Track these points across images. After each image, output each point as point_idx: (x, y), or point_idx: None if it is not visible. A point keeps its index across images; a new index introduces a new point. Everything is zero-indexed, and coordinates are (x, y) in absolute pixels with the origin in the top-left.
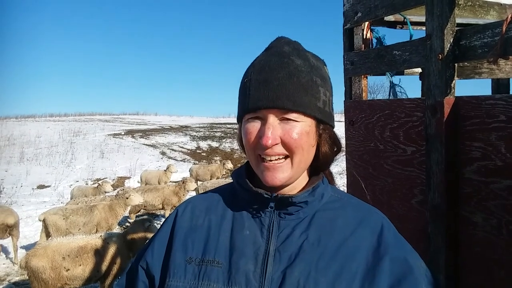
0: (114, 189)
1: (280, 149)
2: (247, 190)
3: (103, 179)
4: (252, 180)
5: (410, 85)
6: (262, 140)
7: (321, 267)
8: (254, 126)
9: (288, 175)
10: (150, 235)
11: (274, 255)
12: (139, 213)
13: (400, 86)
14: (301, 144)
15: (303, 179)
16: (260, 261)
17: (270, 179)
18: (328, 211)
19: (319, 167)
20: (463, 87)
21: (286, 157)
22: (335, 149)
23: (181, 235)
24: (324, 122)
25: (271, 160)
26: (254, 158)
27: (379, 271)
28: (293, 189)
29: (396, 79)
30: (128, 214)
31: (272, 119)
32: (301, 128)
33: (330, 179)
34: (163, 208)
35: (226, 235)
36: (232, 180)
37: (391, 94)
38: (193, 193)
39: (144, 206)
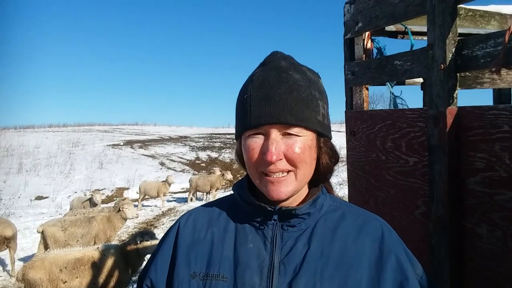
0: (111, 201)
1: (283, 165)
2: (249, 203)
3: (102, 190)
4: (253, 192)
5: (411, 95)
6: (266, 156)
7: (326, 277)
8: (256, 142)
9: (293, 188)
10: (142, 250)
11: (279, 268)
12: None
13: (401, 98)
14: (304, 158)
15: (304, 190)
16: (265, 274)
17: (276, 193)
18: (328, 221)
19: (319, 179)
20: (463, 97)
21: (288, 171)
22: (333, 160)
23: (184, 249)
24: (323, 135)
25: (275, 175)
26: (257, 174)
27: (382, 278)
28: (294, 201)
29: (396, 89)
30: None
31: (275, 135)
32: (303, 143)
33: (329, 188)
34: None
35: (230, 249)
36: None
37: (392, 105)
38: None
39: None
